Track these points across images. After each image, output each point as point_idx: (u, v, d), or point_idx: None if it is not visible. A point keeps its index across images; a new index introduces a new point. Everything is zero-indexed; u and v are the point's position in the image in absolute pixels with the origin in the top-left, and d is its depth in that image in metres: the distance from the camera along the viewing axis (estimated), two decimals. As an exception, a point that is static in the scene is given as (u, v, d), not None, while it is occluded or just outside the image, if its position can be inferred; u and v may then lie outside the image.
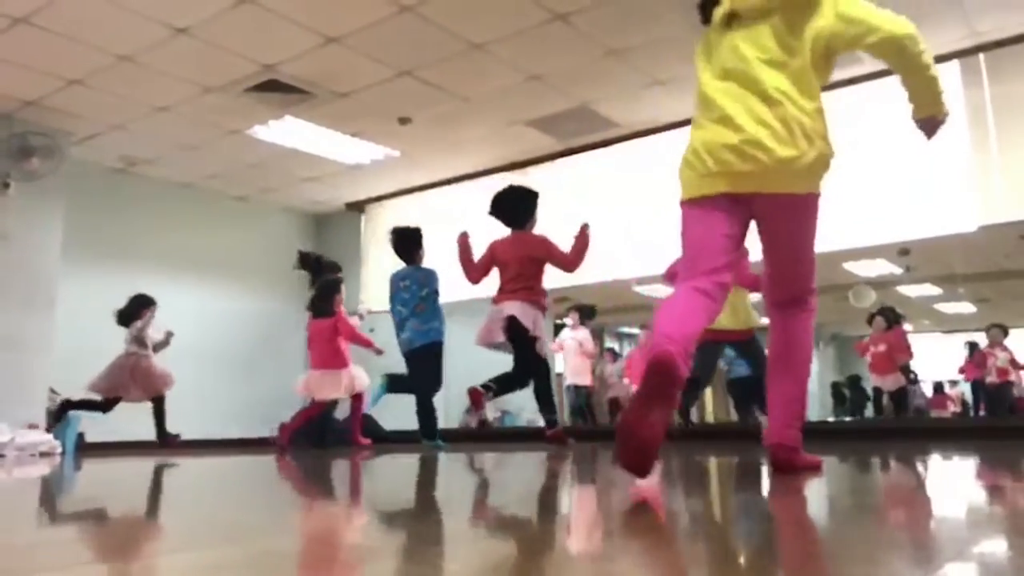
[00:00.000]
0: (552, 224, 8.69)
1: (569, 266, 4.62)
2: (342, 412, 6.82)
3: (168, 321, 8.47)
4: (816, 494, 1.96)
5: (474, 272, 4.88)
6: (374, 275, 10.07)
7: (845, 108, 6.97)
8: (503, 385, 4.59)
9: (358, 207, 10.14)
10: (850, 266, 10.31)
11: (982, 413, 10.01)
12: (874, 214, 6.64)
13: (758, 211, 2.27)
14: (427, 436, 5.22)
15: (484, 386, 4.52)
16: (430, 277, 5.43)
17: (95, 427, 7.35)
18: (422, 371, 5.16)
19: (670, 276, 5.04)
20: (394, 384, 5.28)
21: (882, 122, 6.72)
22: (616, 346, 13.38)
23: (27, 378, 6.83)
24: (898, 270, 10.57)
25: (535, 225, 4.77)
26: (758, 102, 2.18)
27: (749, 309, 4.59)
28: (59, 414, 6.52)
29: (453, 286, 7.29)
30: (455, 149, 8.32)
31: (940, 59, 6.49)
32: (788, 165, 2.14)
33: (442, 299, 5.66)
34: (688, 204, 2.28)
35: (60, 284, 7.31)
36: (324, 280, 6.05)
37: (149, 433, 6.60)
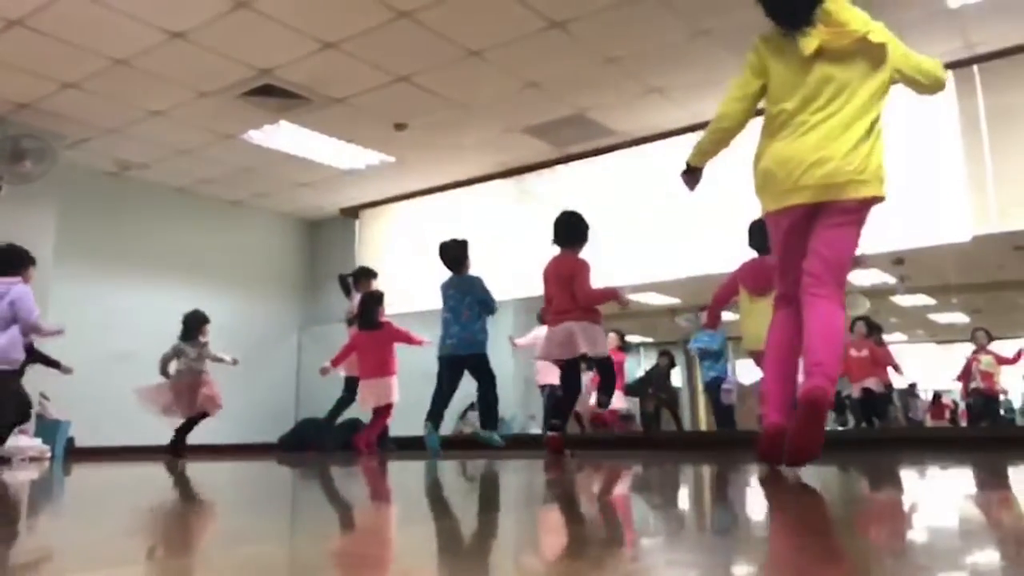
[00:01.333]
0: (546, 231, 8.72)
1: (581, 299, 4.63)
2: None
3: (160, 326, 8.45)
4: (812, 505, 1.94)
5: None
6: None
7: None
8: (604, 392, 4.84)
9: (353, 212, 10.13)
10: (844, 275, 10.31)
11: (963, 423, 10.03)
12: (869, 223, 6.65)
13: (820, 216, 2.69)
14: (489, 426, 5.35)
15: (599, 403, 4.71)
16: (472, 285, 5.53)
17: (85, 432, 7.32)
18: (481, 375, 5.42)
19: (717, 306, 4.97)
20: (492, 420, 5.42)
21: (877, 132, 6.74)
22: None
23: (18, 382, 6.78)
24: (892, 280, 10.58)
25: (581, 250, 4.81)
26: (836, 127, 2.61)
27: None
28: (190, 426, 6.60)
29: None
30: (451, 155, 8.32)
31: (935, 70, 6.51)
32: (854, 177, 2.62)
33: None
34: (772, 215, 2.79)
35: (52, 288, 7.27)
36: (368, 294, 6.25)
37: (137, 439, 6.56)
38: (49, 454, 6.53)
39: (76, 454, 7.05)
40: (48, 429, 6.91)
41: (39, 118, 7.10)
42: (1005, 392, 9.41)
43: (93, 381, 7.75)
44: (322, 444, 7.35)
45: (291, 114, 7.18)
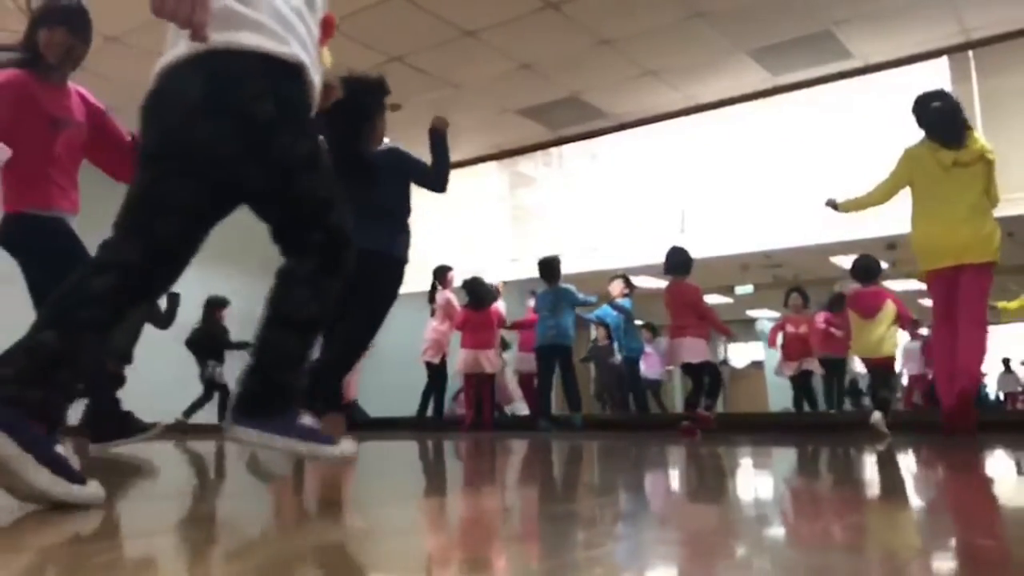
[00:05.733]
0: (542, 214, 8.73)
1: (711, 318, 5.63)
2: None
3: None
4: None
5: None
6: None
7: (833, 102, 7.00)
8: (698, 396, 5.64)
9: (346, 193, 10.08)
10: (837, 260, 10.35)
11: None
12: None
13: (960, 276, 3.88)
14: (575, 408, 6.34)
15: (691, 403, 5.51)
16: (569, 293, 6.51)
17: (77, 408, 7.31)
18: (570, 367, 6.47)
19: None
20: (577, 403, 6.46)
21: (869, 116, 6.74)
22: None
23: (9, 360, 6.77)
24: (885, 264, 10.60)
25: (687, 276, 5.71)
26: (960, 215, 3.88)
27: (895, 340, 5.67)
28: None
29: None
30: (444, 136, 8.27)
31: (930, 55, 6.51)
32: (976, 245, 3.85)
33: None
34: (928, 274, 4.02)
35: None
36: (475, 279, 6.85)
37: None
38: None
39: (66, 431, 7.05)
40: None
41: (30, 95, 7.03)
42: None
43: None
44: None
45: None
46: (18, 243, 3.02)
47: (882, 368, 5.37)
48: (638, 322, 8.04)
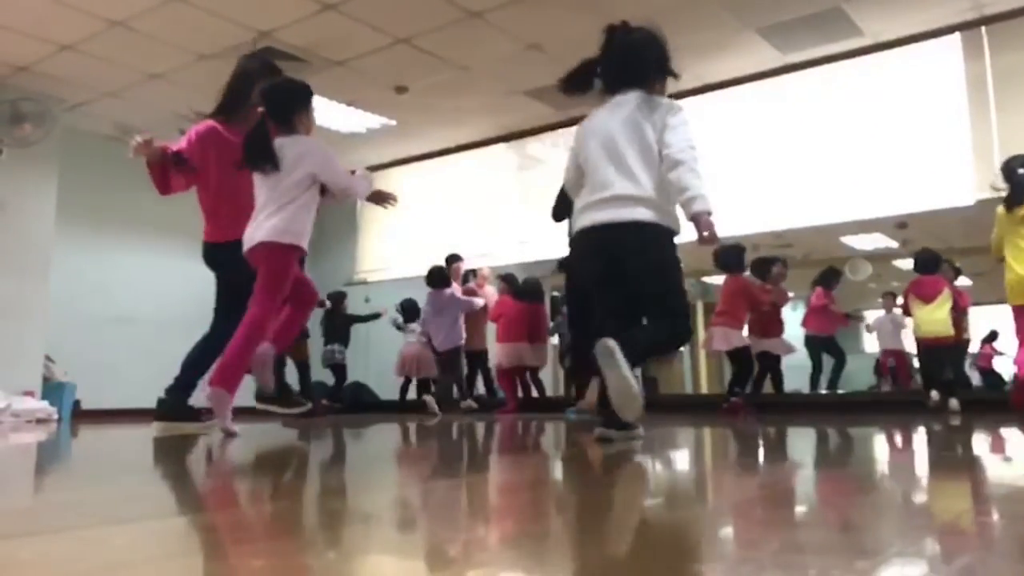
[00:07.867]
0: (551, 196, 8.67)
1: (765, 305, 6.29)
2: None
3: (161, 288, 8.46)
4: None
5: None
6: (370, 245, 10.06)
7: (845, 81, 6.93)
8: (741, 382, 6.12)
9: (354, 176, 10.08)
10: (847, 239, 10.32)
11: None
12: (872, 187, 6.62)
13: None
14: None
15: (734, 393, 5.96)
16: None
17: (89, 395, 7.38)
18: None
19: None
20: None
21: (881, 95, 6.67)
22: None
23: (22, 345, 6.83)
24: (895, 244, 10.57)
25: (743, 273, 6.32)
26: None
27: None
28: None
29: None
30: (452, 119, 8.26)
31: (942, 32, 6.43)
32: None
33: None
34: (1013, 307, 4.88)
35: (54, 251, 7.28)
36: (531, 279, 7.20)
37: (138, 402, 6.59)
38: (56, 416, 6.59)
39: (82, 416, 7.12)
40: (54, 391, 6.97)
41: (37, 81, 7.04)
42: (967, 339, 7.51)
43: (94, 344, 7.79)
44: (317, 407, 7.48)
45: (291, 76, 7.11)
46: (219, 264, 3.79)
47: (945, 347, 5.98)
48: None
